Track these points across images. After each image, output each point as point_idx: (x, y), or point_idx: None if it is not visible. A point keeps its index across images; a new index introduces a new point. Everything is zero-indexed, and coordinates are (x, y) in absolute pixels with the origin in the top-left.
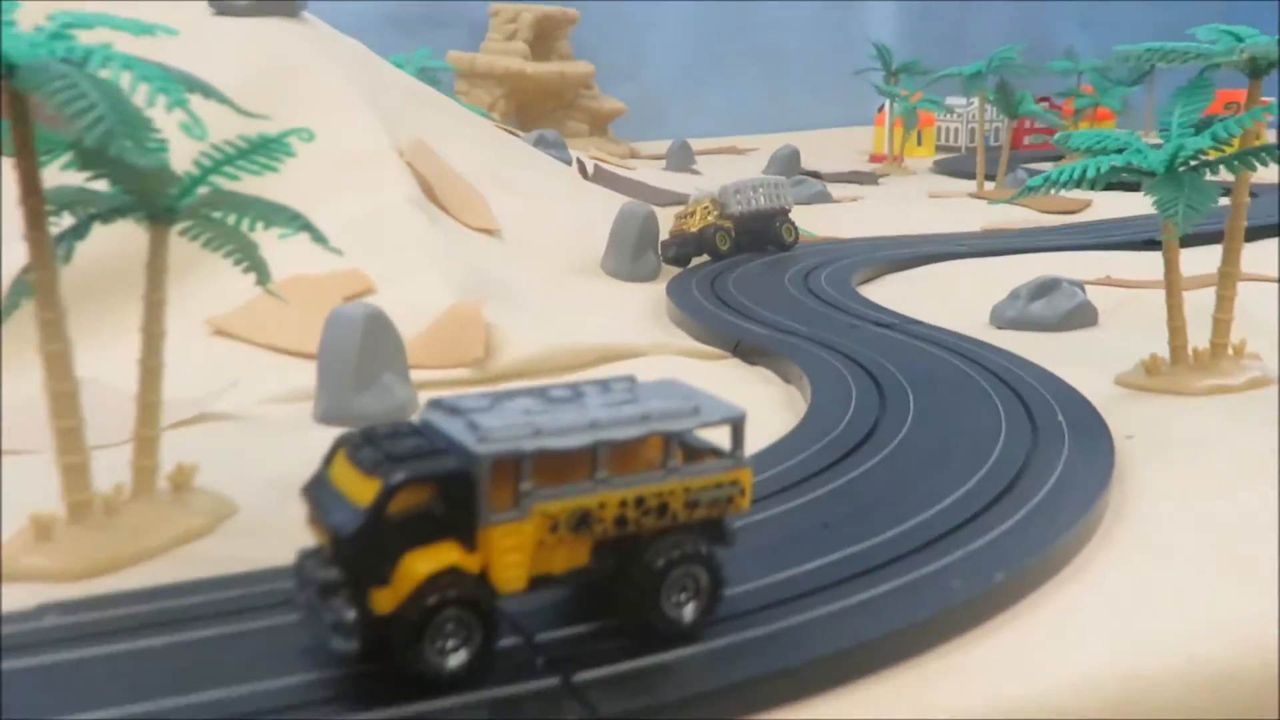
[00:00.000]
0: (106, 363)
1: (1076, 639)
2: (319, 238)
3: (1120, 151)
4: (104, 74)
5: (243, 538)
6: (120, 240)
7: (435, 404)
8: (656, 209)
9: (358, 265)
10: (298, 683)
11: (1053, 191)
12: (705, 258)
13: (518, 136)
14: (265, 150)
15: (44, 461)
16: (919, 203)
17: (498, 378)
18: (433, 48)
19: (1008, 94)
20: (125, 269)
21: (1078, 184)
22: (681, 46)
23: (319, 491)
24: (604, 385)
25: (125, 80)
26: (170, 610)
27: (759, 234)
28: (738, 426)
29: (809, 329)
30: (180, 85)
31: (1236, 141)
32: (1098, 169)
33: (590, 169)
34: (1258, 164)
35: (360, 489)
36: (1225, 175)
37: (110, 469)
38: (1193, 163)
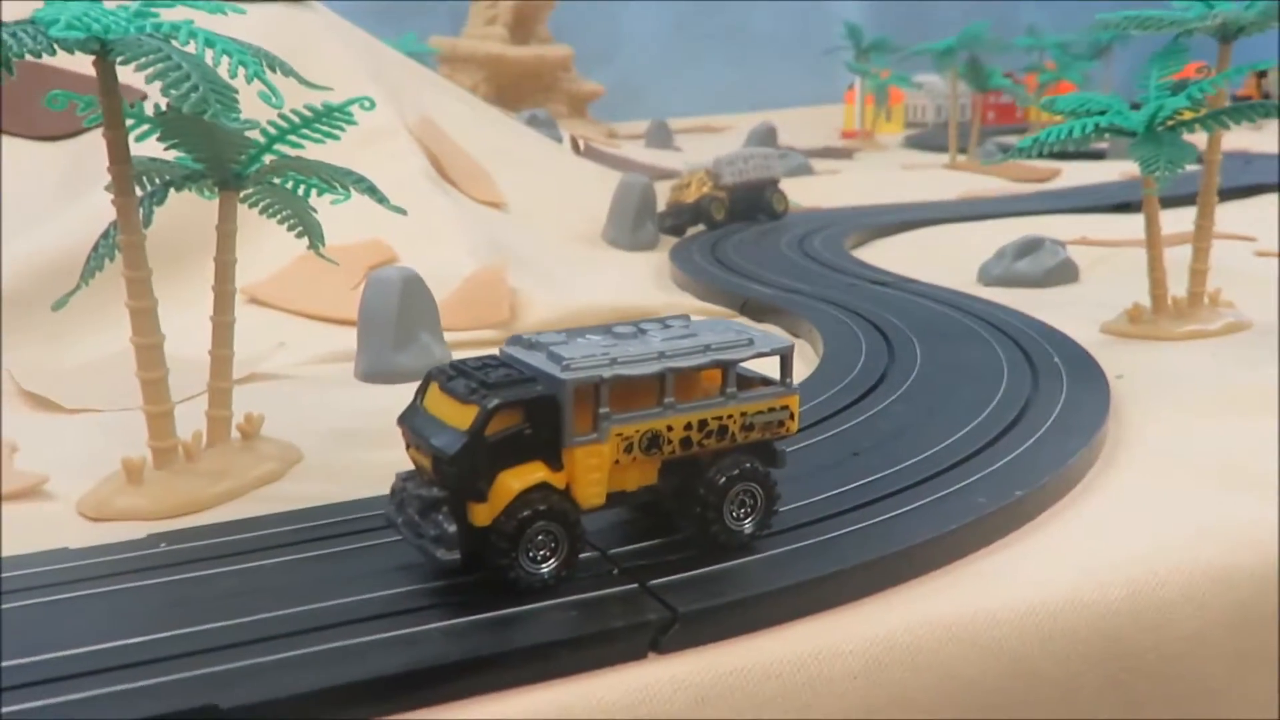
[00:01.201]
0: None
1: (1091, 544)
2: (381, 198)
3: (1103, 113)
4: (188, 48)
5: (312, 480)
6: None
7: (515, 340)
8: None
9: (377, 235)
10: (399, 593)
11: (1042, 152)
12: (701, 227)
13: (511, 116)
14: (329, 119)
15: (107, 419)
16: (895, 174)
17: None
18: (415, 33)
19: (978, 69)
20: (175, 241)
21: (1064, 143)
22: (655, 29)
23: (415, 420)
24: (663, 322)
25: (209, 54)
26: (266, 538)
27: (751, 204)
28: (786, 357)
29: (811, 288)
30: (256, 59)
31: (1210, 102)
32: (1083, 129)
33: (582, 146)
34: (1231, 123)
35: (458, 415)
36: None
37: (181, 422)
38: (1170, 122)
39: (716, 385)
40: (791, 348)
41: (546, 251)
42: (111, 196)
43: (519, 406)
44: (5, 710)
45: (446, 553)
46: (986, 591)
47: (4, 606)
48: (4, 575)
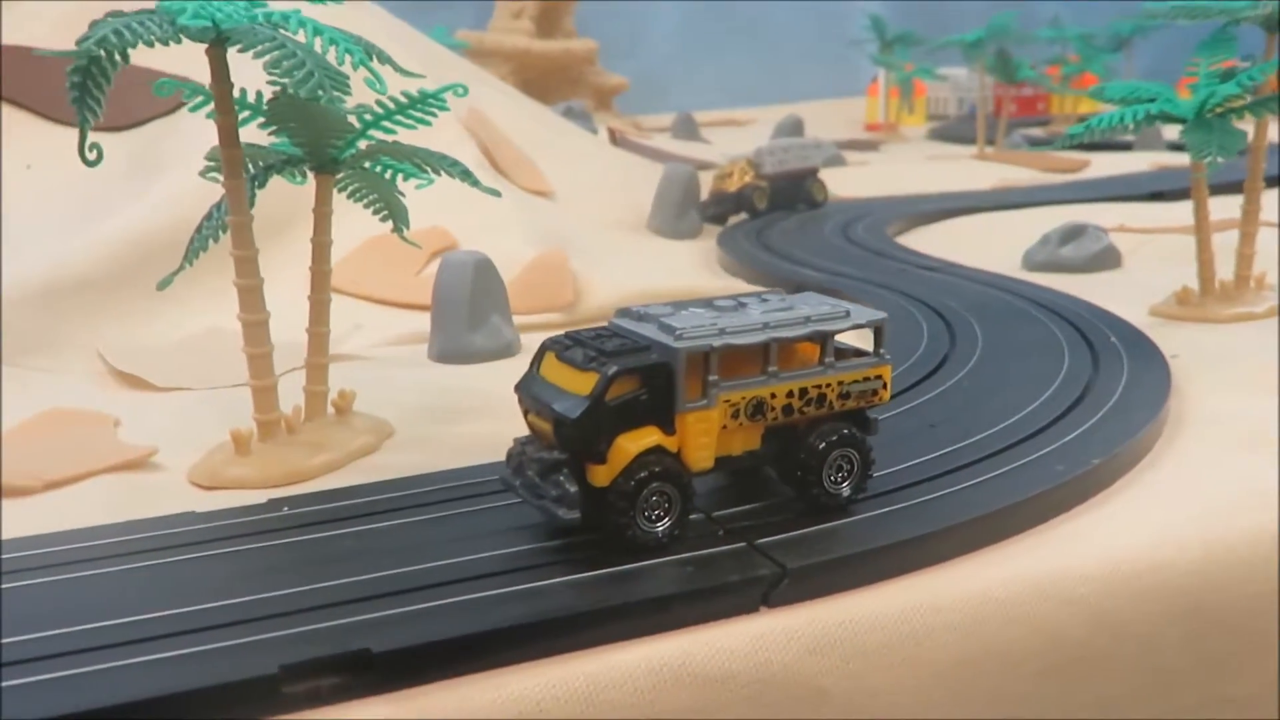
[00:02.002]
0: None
1: (1164, 510)
2: (475, 181)
3: (1153, 100)
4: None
5: (406, 452)
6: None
7: (624, 312)
8: None
9: (435, 223)
10: (521, 550)
11: (1093, 138)
12: (743, 216)
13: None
14: (422, 105)
15: (197, 397)
16: (924, 165)
17: (589, 320)
18: (444, 27)
19: (1007, 61)
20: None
21: (1115, 130)
22: (677, 23)
23: (534, 388)
24: (760, 296)
25: (317, 42)
26: (382, 502)
27: (791, 193)
28: (880, 329)
29: (861, 272)
30: (359, 46)
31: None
32: (1134, 115)
33: (617, 138)
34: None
35: (577, 381)
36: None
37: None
38: (1219, 109)
39: (813, 355)
40: (885, 320)
41: (597, 239)
42: (221, 179)
43: (636, 373)
44: (159, 656)
45: (568, 512)
46: (1072, 552)
47: (142, 564)
48: (136, 537)
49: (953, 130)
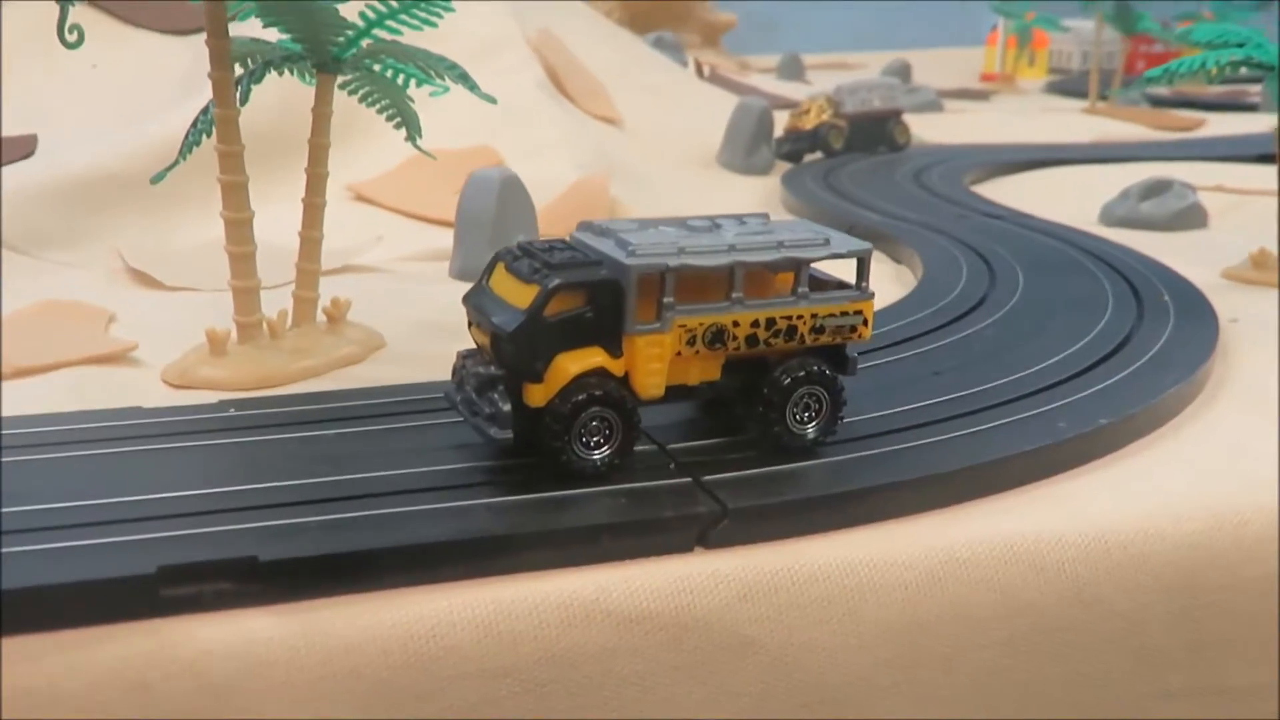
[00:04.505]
0: (264, 217)
1: (1177, 478)
2: (473, 86)
3: (1241, 45)
4: None
5: (391, 365)
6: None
7: (586, 225)
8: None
9: (487, 142)
10: (452, 469)
11: (1173, 82)
12: (819, 155)
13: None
14: (425, 5)
15: (205, 298)
16: (1029, 116)
17: None
18: None
19: (1126, 12)
20: (280, 133)
21: (1195, 75)
22: None
23: (479, 298)
24: (740, 219)
25: None
26: (333, 410)
27: (872, 134)
28: (864, 260)
29: (919, 216)
30: None
31: None
32: (1217, 61)
33: (707, 72)
34: None
35: (519, 294)
36: None
37: (272, 305)
38: None
39: (788, 285)
40: (869, 250)
41: (657, 170)
42: (208, 70)
43: (581, 289)
44: (59, 546)
45: (499, 431)
46: (1056, 515)
47: (77, 454)
48: (80, 427)
49: (1072, 84)
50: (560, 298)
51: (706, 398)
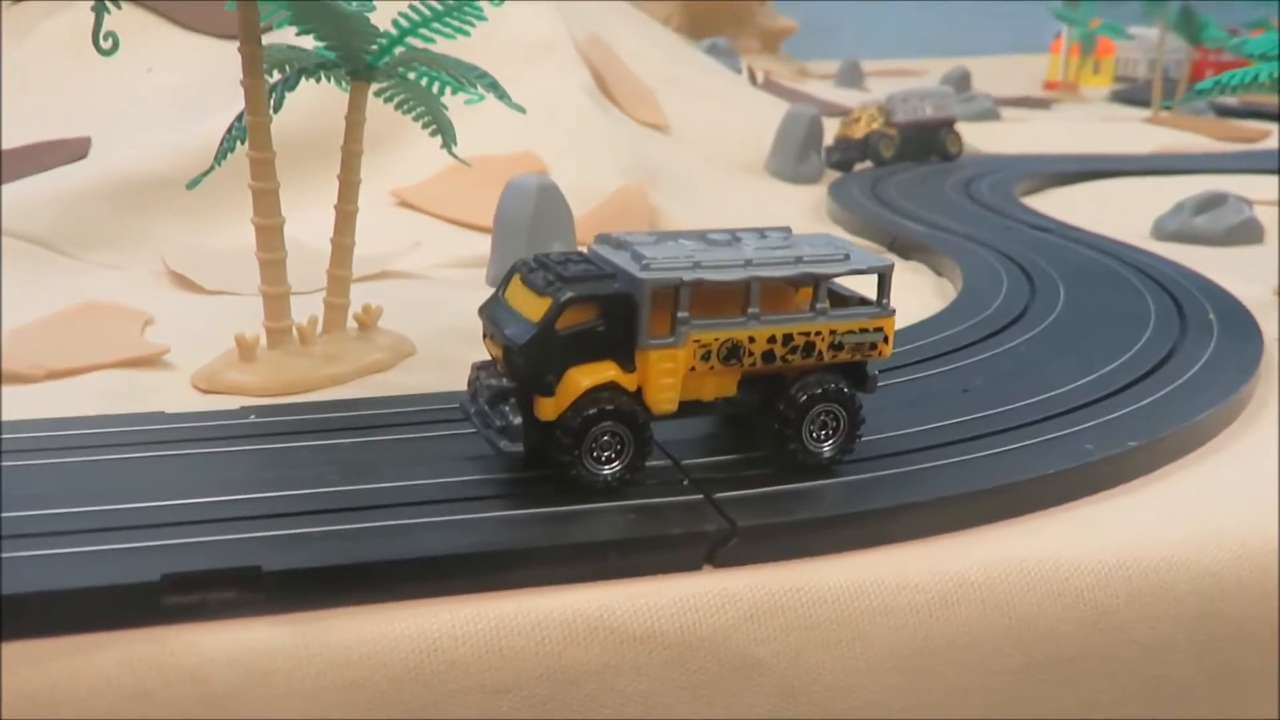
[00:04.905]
0: (301, 222)
1: (1207, 504)
2: (503, 95)
3: None
4: None
5: (420, 372)
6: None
7: (603, 238)
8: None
9: (530, 148)
10: (464, 481)
11: (1225, 94)
12: (868, 164)
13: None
14: (458, 13)
15: (244, 303)
16: (1089, 125)
17: None
18: None
19: (1191, 20)
20: (320, 138)
21: (1248, 87)
22: None
23: (495, 310)
24: (761, 232)
25: None
26: (352, 419)
27: (923, 143)
28: (885, 276)
29: (964, 228)
30: None
31: None
32: (1270, 73)
33: (760, 79)
34: None
35: (533, 306)
36: None
37: (304, 310)
38: None
39: (807, 300)
40: (891, 266)
41: (703, 177)
42: (240, 77)
43: (594, 302)
44: (64, 551)
45: (510, 445)
46: (1078, 539)
47: (91, 459)
48: (96, 431)
49: (1137, 93)
50: (573, 311)
51: (724, 414)
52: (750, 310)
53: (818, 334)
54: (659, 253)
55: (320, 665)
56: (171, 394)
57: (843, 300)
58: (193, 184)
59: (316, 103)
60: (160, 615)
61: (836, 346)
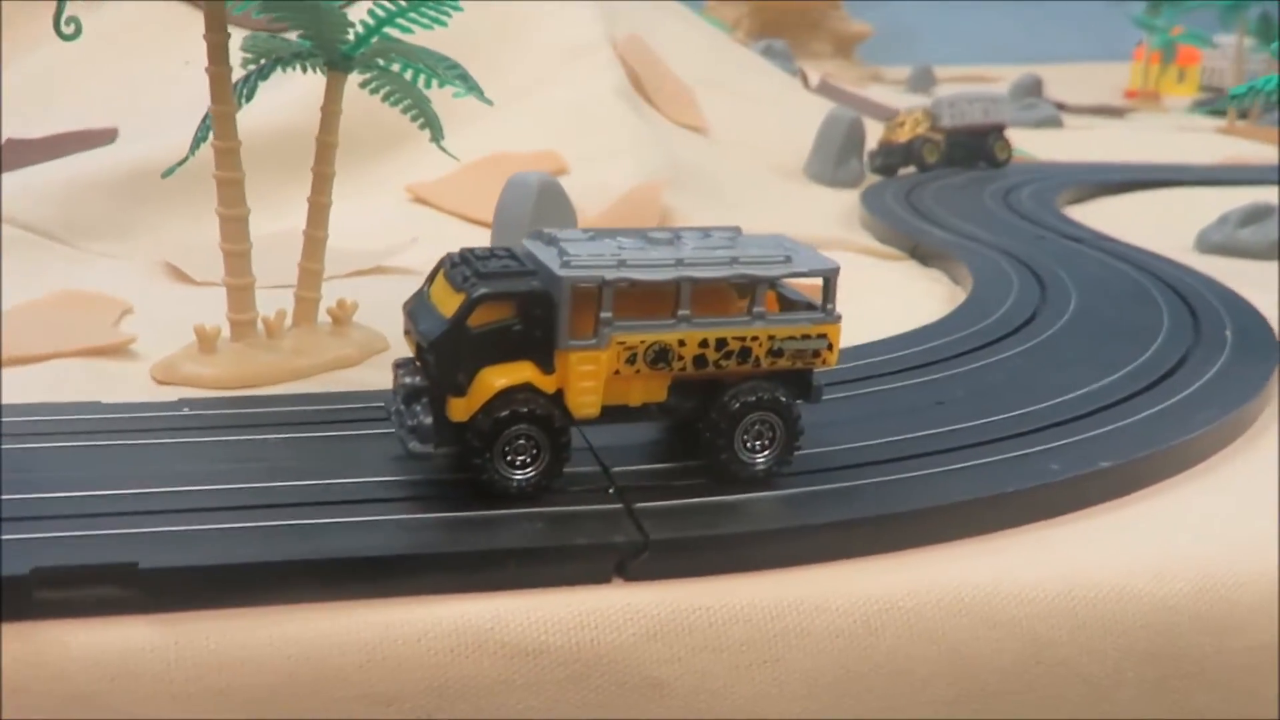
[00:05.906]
0: (302, 217)
1: (1175, 531)
2: (473, 87)
3: None
4: None
5: (385, 370)
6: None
7: (536, 234)
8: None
9: (557, 147)
10: (378, 482)
11: (1257, 99)
12: (913, 169)
13: (744, 45)
14: (434, 4)
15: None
16: (1160, 135)
17: None
18: None
19: (1270, 26)
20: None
21: None
22: None
23: (416, 306)
24: (705, 231)
25: None
26: (287, 414)
27: (970, 149)
28: (829, 280)
29: (992, 237)
30: None
31: None
32: None
33: (815, 82)
34: None
35: (450, 302)
36: None
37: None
38: None
39: (748, 304)
40: (836, 270)
41: (735, 179)
42: (205, 64)
43: (509, 299)
44: None
45: (419, 445)
46: (1024, 565)
47: (14, 447)
48: (20, 419)
49: (1220, 103)
50: (486, 308)
51: (656, 420)
52: (681, 312)
53: (754, 339)
54: (585, 250)
55: (190, 669)
56: (129, 384)
57: (791, 305)
58: (167, 173)
59: (313, 95)
60: (32, 611)
61: (775, 353)
